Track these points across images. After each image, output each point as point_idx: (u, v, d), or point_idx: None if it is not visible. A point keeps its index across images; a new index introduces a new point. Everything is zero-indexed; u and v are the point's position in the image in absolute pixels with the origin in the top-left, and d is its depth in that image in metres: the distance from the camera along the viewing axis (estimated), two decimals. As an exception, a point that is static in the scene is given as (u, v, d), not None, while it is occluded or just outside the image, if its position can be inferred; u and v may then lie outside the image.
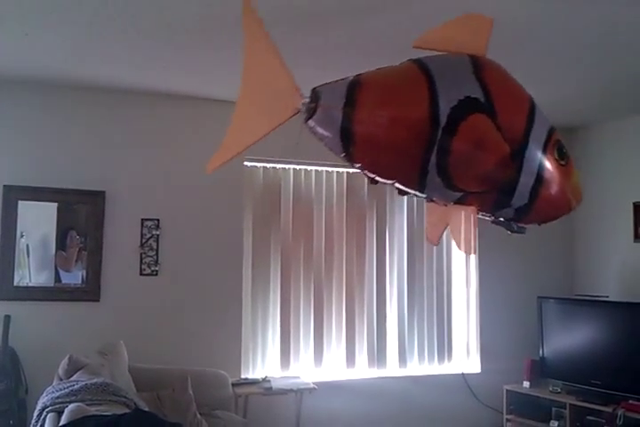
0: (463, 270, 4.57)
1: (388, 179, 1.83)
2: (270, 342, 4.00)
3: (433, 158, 1.68)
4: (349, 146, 1.70)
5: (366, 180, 1.87)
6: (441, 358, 4.42)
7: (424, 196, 1.88)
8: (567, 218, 4.76)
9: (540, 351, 4.35)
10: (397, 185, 1.84)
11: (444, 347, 4.44)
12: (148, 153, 3.82)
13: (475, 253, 1.96)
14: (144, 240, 3.75)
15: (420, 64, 1.76)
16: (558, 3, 2.44)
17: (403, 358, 4.30)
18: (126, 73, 3.43)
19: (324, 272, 4.13)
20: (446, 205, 1.92)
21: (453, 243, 4.52)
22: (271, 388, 3.63)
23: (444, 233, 1.99)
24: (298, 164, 4.06)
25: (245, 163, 4.00)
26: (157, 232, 3.78)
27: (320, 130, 1.70)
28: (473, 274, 4.56)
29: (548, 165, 1.78)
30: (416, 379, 4.29)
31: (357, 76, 1.73)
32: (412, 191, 1.85)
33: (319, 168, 4.16)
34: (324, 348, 4.09)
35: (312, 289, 4.09)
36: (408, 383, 4.25)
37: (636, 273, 4.25)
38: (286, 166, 4.10)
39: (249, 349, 3.95)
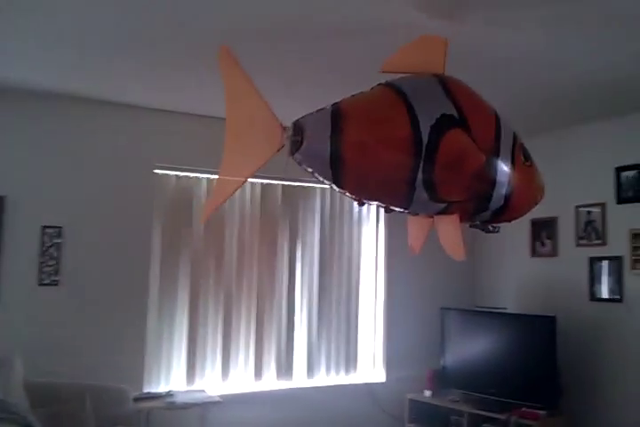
0: (372, 283, 4.67)
1: (377, 200, 1.94)
2: (176, 354, 3.90)
3: (419, 175, 1.78)
4: (339, 173, 1.77)
5: (354, 200, 1.95)
6: (348, 369, 4.48)
7: (408, 211, 1.99)
8: (470, 235, 5.02)
9: (442, 361, 4.50)
10: (383, 204, 1.95)
11: (350, 357, 4.50)
12: (52, 158, 3.64)
13: (464, 257, 2.04)
14: (44, 248, 3.57)
15: (394, 87, 1.87)
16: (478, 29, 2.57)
17: (310, 369, 4.32)
18: (28, 74, 3.27)
19: (235, 284, 4.09)
20: (431, 217, 2.04)
21: (363, 256, 4.67)
22: (174, 402, 3.54)
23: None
24: (212, 173, 4.02)
25: (156, 170, 3.91)
26: (59, 240, 3.61)
27: (308, 161, 1.78)
28: (381, 286, 4.67)
29: (517, 167, 1.97)
30: (323, 389, 4.32)
31: (336, 105, 1.80)
32: (399, 209, 1.95)
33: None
34: (231, 360, 4.04)
35: (222, 301, 4.03)
36: (315, 394, 4.27)
37: (532, 287, 4.50)
38: (200, 175, 4.03)
39: (153, 362, 3.83)
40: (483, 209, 1.99)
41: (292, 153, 1.76)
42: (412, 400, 4.45)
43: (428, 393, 4.44)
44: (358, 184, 1.84)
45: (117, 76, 3.28)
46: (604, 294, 3.98)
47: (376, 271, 4.69)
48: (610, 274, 3.95)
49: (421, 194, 1.84)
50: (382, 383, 4.56)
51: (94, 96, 3.67)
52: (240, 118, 1.84)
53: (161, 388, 3.80)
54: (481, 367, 4.26)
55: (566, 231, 4.25)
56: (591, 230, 4.07)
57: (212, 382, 3.97)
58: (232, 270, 4.09)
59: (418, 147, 1.76)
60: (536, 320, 4.00)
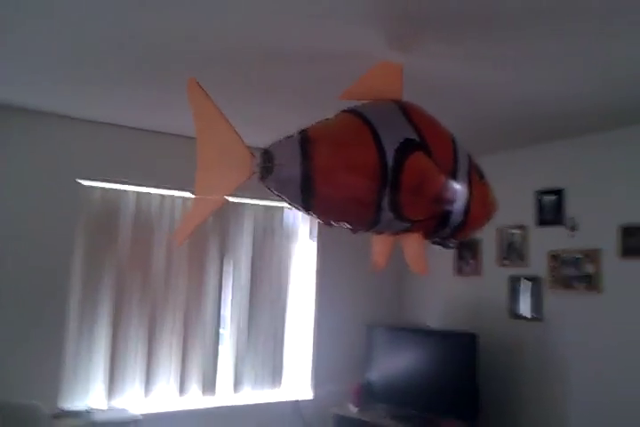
0: (301, 299, 4.67)
1: (345, 222, 2.02)
2: (96, 369, 3.78)
3: (386, 197, 1.89)
4: (310, 197, 1.86)
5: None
6: (274, 384, 4.45)
7: (373, 230, 2.08)
8: (397, 253, 5.10)
9: (368, 377, 4.53)
10: (351, 226, 2.03)
11: (277, 373, 4.47)
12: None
13: (426, 272, 2.15)
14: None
15: (357, 114, 1.98)
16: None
17: (237, 385, 4.27)
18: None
19: (161, 298, 4.00)
20: (396, 235, 2.12)
21: (293, 272, 4.68)
22: (94, 421, 3.42)
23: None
24: (140, 186, 3.94)
25: (81, 181, 3.80)
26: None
27: (279, 186, 1.86)
28: (309, 303, 4.67)
29: (474, 186, 2.08)
30: (248, 408, 4.26)
31: (303, 131, 1.89)
32: (364, 229, 2.05)
33: (163, 191, 4.05)
34: (155, 375, 3.94)
35: (147, 315, 3.94)
36: (240, 412, 4.21)
37: (455, 305, 4.60)
38: (127, 188, 3.95)
39: (72, 377, 3.70)
40: (443, 226, 2.09)
41: (263, 179, 1.84)
42: (336, 415, 4.45)
43: (354, 409, 4.46)
44: (328, 207, 1.92)
45: (39, 84, 3.17)
46: (525, 312, 4.12)
47: (305, 287, 4.69)
48: (530, 293, 4.10)
49: (387, 214, 1.94)
50: (309, 400, 4.54)
51: (19, 105, 3.54)
52: (210, 147, 1.89)
53: (79, 404, 3.66)
54: (405, 383, 4.32)
55: (489, 251, 4.37)
56: (513, 251, 4.21)
57: (134, 398, 3.87)
58: (159, 285, 4.01)
59: (384, 170, 1.87)
60: (458, 337, 4.09)
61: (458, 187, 2.07)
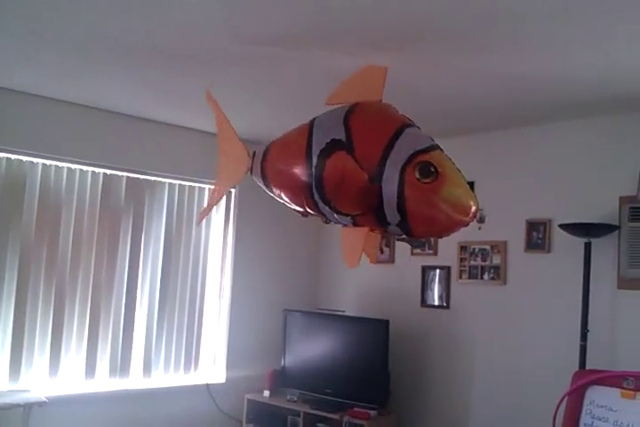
0: (217, 282, 4.62)
1: (297, 210, 2.42)
2: (-2, 351, 3.63)
3: (315, 192, 2.15)
4: (267, 187, 2.43)
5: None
6: (187, 368, 4.40)
7: (329, 220, 2.36)
8: (314, 240, 5.13)
9: (282, 362, 4.56)
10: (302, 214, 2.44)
11: (191, 356, 4.42)
12: None
13: (355, 267, 2.23)
14: None
15: (312, 120, 2.29)
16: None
17: (148, 368, 4.18)
18: None
19: (70, 276, 3.85)
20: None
21: (210, 254, 4.63)
22: (-7, 403, 3.29)
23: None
24: (49, 158, 3.77)
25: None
26: None
27: (255, 178, 2.48)
28: (226, 286, 4.63)
29: (408, 184, 2.00)
30: (160, 391, 4.19)
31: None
32: (323, 219, 2.35)
33: (72, 166, 3.88)
34: (61, 356, 3.81)
35: (54, 293, 3.78)
36: (151, 396, 4.14)
37: (370, 292, 4.68)
38: (34, 160, 3.74)
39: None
40: (385, 223, 2.10)
41: (249, 172, 2.50)
42: (250, 400, 4.46)
43: (266, 393, 4.48)
44: (282, 199, 2.36)
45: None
46: (434, 300, 4.24)
47: (222, 271, 4.65)
48: (439, 282, 4.22)
49: (324, 207, 2.19)
50: (222, 384, 4.52)
51: None
52: (224, 144, 2.60)
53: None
54: (319, 368, 4.37)
55: (403, 240, 4.47)
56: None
57: (38, 381, 3.71)
58: (66, 263, 3.84)
59: (309, 168, 2.14)
60: (371, 324, 4.17)
61: (382, 185, 2.03)
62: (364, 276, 4.70)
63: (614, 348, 3.37)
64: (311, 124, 2.26)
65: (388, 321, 4.04)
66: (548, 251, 3.69)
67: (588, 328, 3.33)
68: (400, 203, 2.01)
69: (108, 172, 4.01)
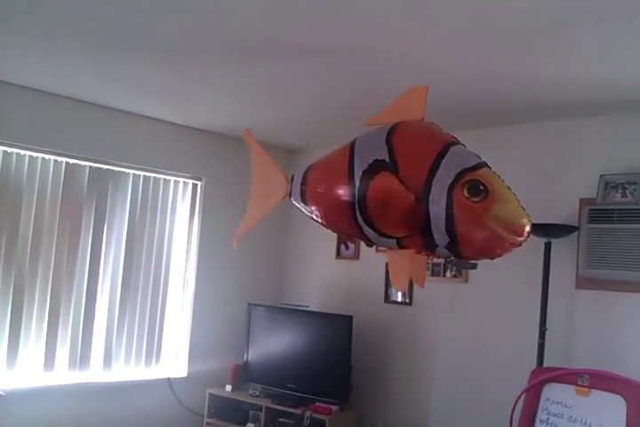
0: (181, 275, 4.58)
1: (342, 235, 2.40)
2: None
3: (359, 215, 2.06)
4: (310, 212, 2.31)
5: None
6: (148, 362, 4.34)
7: (374, 244, 2.24)
8: (279, 235, 5.12)
9: (245, 356, 4.55)
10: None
11: (152, 350, 4.37)
12: None
13: (403, 289, 2.24)
14: None
15: (353, 141, 2.19)
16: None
17: (108, 361, 4.12)
18: None
19: (29, 267, 3.76)
20: (391, 249, 2.19)
21: (174, 247, 4.58)
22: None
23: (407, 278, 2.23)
24: (9, 146, 3.67)
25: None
26: None
27: (295, 203, 2.36)
28: (190, 280, 4.59)
29: (456, 204, 1.90)
30: (120, 384, 4.13)
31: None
32: (366, 242, 2.23)
33: (34, 154, 3.78)
34: (19, 348, 3.72)
35: (12, 283, 3.70)
36: (111, 389, 4.08)
37: (334, 287, 4.71)
38: (7, 149, 3.66)
39: None
40: (432, 245, 2.00)
41: (289, 197, 2.39)
42: (212, 395, 4.44)
43: (228, 388, 4.47)
44: (324, 223, 2.29)
45: None
46: (397, 297, 4.28)
47: (186, 264, 4.61)
48: (404, 279, 4.25)
49: (368, 230, 2.10)
50: (184, 378, 4.48)
51: None
52: (259, 173, 2.61)
53: None
54: (282, 363, 4.37)
55: (369, 237, 4.50)
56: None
57: (-5, 374, 3.65)
58: (26, 253, 3.75)
59: (352, 191, 2.06)
60: (334, 319, 4.19)
61: (430, 206, 1.95)
62: (328, 271, 4.72)
63: (571, 346, 3.46)
64: (352, 145, 2.18)
65: (351, 317, 4.06)
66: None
67: (547, 327, 3.40)
68: (448, 224, 1.92)
69: (71, 161, 3.93)
